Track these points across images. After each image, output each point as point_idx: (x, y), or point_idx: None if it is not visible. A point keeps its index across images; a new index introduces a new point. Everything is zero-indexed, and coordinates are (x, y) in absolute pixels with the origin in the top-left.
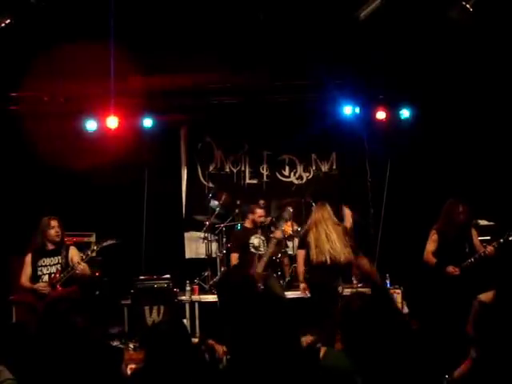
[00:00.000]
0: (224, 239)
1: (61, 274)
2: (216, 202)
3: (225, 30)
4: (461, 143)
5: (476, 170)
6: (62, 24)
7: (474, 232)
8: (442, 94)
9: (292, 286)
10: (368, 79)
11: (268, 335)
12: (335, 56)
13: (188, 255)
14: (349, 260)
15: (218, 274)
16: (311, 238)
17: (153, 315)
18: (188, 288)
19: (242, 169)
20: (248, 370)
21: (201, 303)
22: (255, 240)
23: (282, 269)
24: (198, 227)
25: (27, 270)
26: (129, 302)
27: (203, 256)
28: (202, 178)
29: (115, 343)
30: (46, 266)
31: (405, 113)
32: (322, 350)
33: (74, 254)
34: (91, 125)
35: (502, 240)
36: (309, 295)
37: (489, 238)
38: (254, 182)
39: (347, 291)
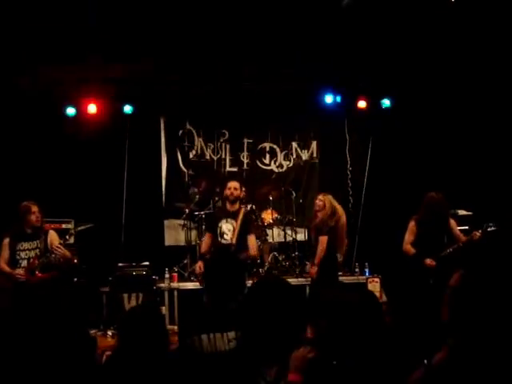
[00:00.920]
0: (203, 227)
1: (39, 259)
2: (196, 190)
3: (208, 18)
4: (440, 133)
5: (454, 159)
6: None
7: (452, 222)
8: (422, 84)
9: (271, 273)
10: (349, 68)
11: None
12: (317, 45)
13: (167, 243)
14: None
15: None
16: (339, 226)
17: (131, 302)
18: (167, 275)
19: (223, 156)
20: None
21: (180, 290)
22: (224, 225)
23: (261, 257)
24: (177, 214)
25: (5, 253)
26: (107, 289)
27: (183, 243)
28: (182, 166)
29: (93, 331)
30: (24, 250)
31: (386, 102)
32: None
33: (53, 238)
34: (70, 110)
35: (480, 231)
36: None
37: (467, 227)
38: (235, 169)
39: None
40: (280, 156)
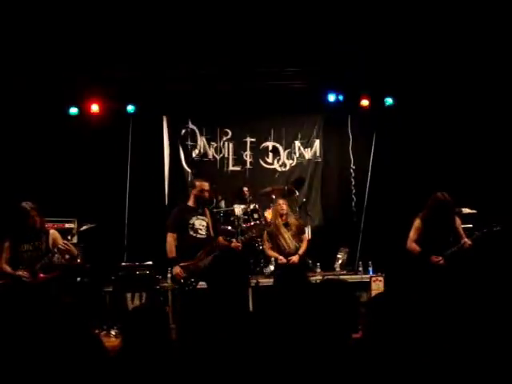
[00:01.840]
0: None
1: (41, 260)
2: None
3: (206, 14)
4: (444, 131)
5: (458, 157)
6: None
7: (457, 221)
8: (426, 82)
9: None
10: (352, 66)
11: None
12: (319, 43)
13: None
14: None
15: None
16: None
17: (135, 302)
18: (170, 275)
19: (226, 155)
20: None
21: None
22: (196, 221)
23: (265, 257)
24: None
25: (6, 255)
26: (111, 288)
27: None
28: (184, 165)
29: (96, 330)
30: (25, 251)
31: (389, 100)
32: None
33: (55, 237)
34: (73, 109)
35: (485, 230)
36: None
37: (471, 225)
38: (238, 168)
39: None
40: (283, 155)
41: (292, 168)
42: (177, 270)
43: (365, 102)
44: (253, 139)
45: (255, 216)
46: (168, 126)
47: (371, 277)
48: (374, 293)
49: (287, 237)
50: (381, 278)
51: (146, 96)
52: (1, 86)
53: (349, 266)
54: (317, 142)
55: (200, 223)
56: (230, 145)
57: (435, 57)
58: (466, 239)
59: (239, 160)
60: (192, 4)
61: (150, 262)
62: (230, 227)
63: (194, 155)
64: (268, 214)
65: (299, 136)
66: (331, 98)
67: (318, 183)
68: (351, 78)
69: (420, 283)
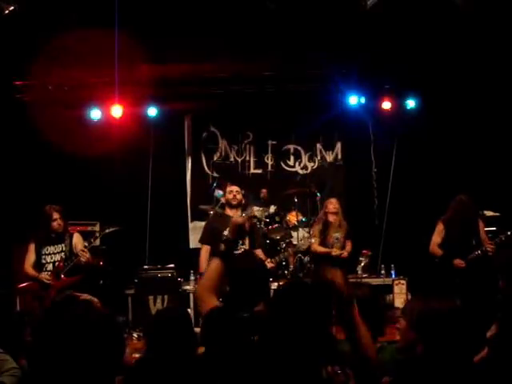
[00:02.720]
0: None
1: (65, 263)
2: (221, 192)
3: (231, 19)
4: (466, 133)
5: (481, 160)
6: (67, 11)
7: (481, 224)
8: (448, 84)
9: (297, 276)
10: (374, 69)
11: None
12: (341, 45)
13: (192, 245)
14: None
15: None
16: None
17: (157, 305)
18: (192, 277)
19: (247, 158)
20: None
21: None
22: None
23: (286, 259)
24: (202, 217)
25: (31, 257)
26: (133, 291)
27: None
28: (206, 168)
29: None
30: (49, 254)
31: (410, 103)
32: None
33: (77, 241)
34: (95, 113)
35: (505, 235)
36: None
37: (494, 228)
38: (259, 171)
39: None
40: (304, 157)
41: (313, 171)
42: None
43: (386, 105)
44: (274, 142)
45: (277, 219)
46: (189, 129)
47: (393, 280)
48: (396, 296)
49: (339, 235)
50: (403, 282)
51: (168, 98)
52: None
53: (371, 269)
54: (338, 145)
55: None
56: (252, 147)
57: (458, 59)
58: (488, 244)
59: (260, 163)
60: (215, 4)
61: (172, 265)
62: None
63: (215, 158)
64: (290, 216)
65: (321, 139)
66: (353, 100)
67: (339, 186)
68: (373, 80)
69: (443, 287)
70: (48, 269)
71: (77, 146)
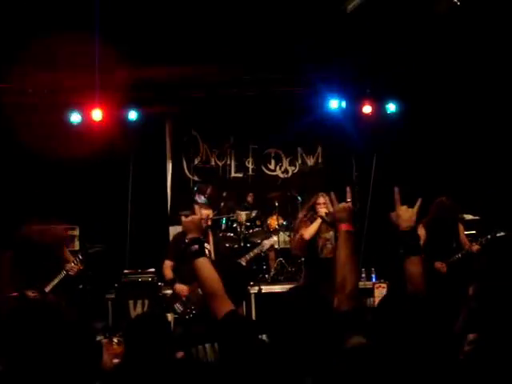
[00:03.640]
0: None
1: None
2: (202, 196)
3: (211, 22)
4: (446, 137)
5: (460, 163)
6: (47, 15)
7: (460, 227)
8: (428, 89)
9: (278, 280)
10: (354, 73)
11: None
12: (322, 50)
13: None
14: None
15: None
16: None
17: (137, 309)
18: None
19: (228, 162)
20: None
21: None
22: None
23: (267, 263)
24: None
25: None
26: (113, 296)
27: None
28: (187, 172)
29: (99, 338)
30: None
31: (391, 107)
32: None
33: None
34: (75, 117)
35: (489, 236)
36: None
37: (474, 232)
38: (240, 175)
39: None
40: (285, 161)
41: (294, 174)
42: (179, 287)
43: (367, 109)
44: (255, 146)
45: (257, 222)
46: (170, 133)
47: (374, 283)
48: (377, 299)
49: (330, 236)
50: (384, 285)
51: (148, 102)
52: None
53: None
54: (319, 149)
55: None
56: (233, 151)
57: (438, 63)
58: (473, 244)
59: (241, 167)
60: (195, 8)
61: (153, 269)
62: (232, 234)
63: (196, 162)
64: (271, 220)
65: (301, 142)
66: (334, 104)
67: (320, 190)
68: (354, 85)
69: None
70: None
71: (56, 150)
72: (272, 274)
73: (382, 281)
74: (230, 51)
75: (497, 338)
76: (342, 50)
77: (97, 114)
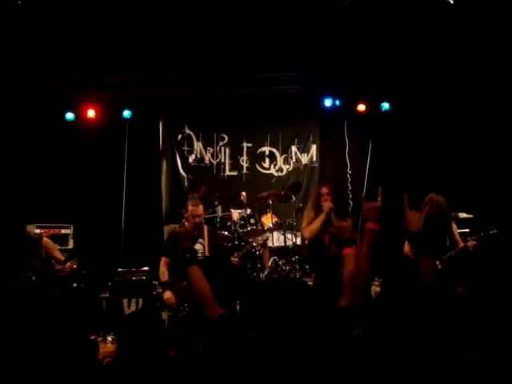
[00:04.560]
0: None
1: None
2: (196, 195)
3: (205, 19)
4: (440, 136)
5: (454, 162)
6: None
7: (453, 225)
8: (422, 87)
9: (272, 278)
10: (349, 71)
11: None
12: (316, 49)
13: None
14: None
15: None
16: None
17: (131, 308)
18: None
19: (222, 160)
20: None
21: None
22: (196, 245)
23: (261, 262)
24: (177, 219)
25: None
26: (107, 294)
27: None
28: (181, 170)
29: (93, 336)
30: None
31: (385, 105)
32: None
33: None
34: (69, 115)
35: (482, 234)
36: None
37: (467, 230)
38: (234, 173)
39: None
40: (280, 160)
41: (288, 173)
42: (168, 295)
43: (361, 107)
44: (249, 144)
45: (252, 221)
46: (164, 131)
47: None
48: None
49: None
50: (377, 283)
51: (142, 101)
52: None
53: None
54: (313, 147)
55: (197, 247)
56: (227, 150)
57: (431, 62)
58: (470, 240)
59: (236, 165)
60: (189, 9)
61: (147, 268)
62: (226, 232)
63: (190, 160)
64: (265, 219)
65: (296, 141)
66: (328, 103)
67: (314, 188)
68: (348, 83)
69: (417, 287)
70: None
71: (50, 148)
72: (266, 272)
73: (376, 278)
74: (224, 50)
75: (489, 336)
76: (337, 49)
77: (91, 113)
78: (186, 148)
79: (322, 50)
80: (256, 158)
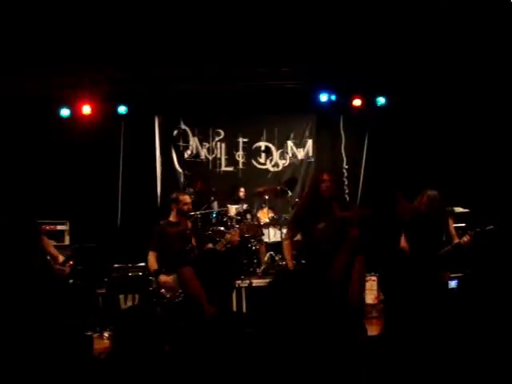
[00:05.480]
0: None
1: None
2: (191, 190)
3: (200, 15)
4: (436, 130)
5: (451, 156)
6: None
7: (450, 220)
8: (418, 81)
9: (268, 273)
10: (344, 66)
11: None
12: (312, 44)
13: None
14: None
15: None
16: None
17: (128, 303)
18: (156, 288)
19: (218, 156)
20: None
21: None
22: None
23: (258, 257)
24: None
25: None
26: (103, 290)
27: None
28: (177, 166)
29: (89, 332)
30: None
31: (381, 100)
32: None
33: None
34: (65, 111)
35: (478, 229)
36: None
37: (464, 225)
38: (230, 169)
39: None
40: (276, 155)
41: (284, 168)
42: (164, 278)
43: (357, 102)
44: (245, 139)
45: (248, 216)
46: (160, 126)
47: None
48: (367, 292)
49: None
50: (374, 278)
51: (137, 97)
52: None
53: None
54: (309, 142)
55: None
56: (223, 145)
57: (427, 56)
58: (465, 236)
59: (231, 160)
60: (183, 4)
61: (143, 264)
62: (222, 228)
63: (186, 156)
64: (261, 214)
65: (292, 136)
66: (323, 97)
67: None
68: (343, 78)
69: (414, 283)
70: None
71: (45, 144)
72: (262, 267)
73: (372, 273)
74: (220, 46)
75: (485, 330)
76: (332, 44)
77: (86, 109)
78: (181, 143)
79: (317, 44)
80: (252, 153)
